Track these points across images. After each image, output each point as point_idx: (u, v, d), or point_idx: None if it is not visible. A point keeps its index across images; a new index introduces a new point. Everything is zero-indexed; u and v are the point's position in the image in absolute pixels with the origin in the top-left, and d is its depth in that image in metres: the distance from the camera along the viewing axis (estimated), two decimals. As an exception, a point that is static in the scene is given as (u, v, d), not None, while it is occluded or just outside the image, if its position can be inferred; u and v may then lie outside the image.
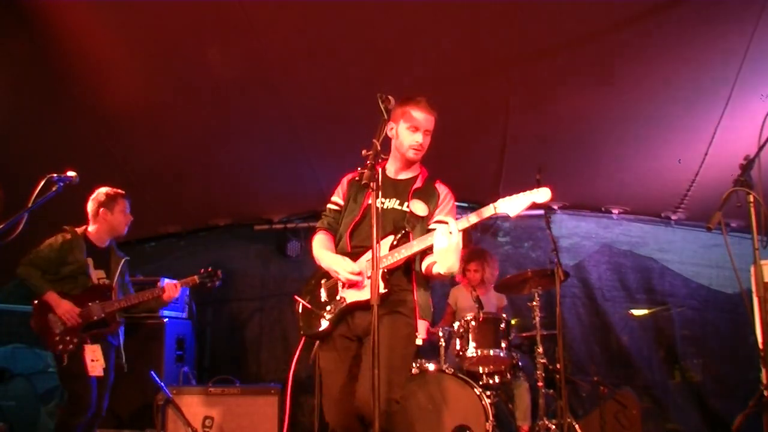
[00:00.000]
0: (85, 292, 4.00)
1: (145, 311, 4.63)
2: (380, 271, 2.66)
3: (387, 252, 2.78)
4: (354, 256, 2.85)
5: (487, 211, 2.67)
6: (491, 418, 4.16)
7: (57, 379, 5.06)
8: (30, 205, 3.27)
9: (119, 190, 4.21)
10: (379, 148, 2.56)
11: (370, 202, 2.73)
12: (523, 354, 4.85)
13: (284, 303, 6.43)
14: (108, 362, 3.99)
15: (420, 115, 2.88)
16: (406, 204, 2.91)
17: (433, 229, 2.74)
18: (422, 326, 2.86)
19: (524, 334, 4.84)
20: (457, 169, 5.12)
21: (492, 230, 6.07)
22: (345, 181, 3.14)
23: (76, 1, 3.83)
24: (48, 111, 4.61)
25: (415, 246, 2.73)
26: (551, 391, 4.59)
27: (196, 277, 4.33)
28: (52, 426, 4.92)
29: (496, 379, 4.55)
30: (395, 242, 2.79)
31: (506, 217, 2.74)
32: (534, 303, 4.57)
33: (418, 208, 2.90)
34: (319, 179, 5.78)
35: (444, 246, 2.56)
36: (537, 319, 4.52)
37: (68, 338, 3.88)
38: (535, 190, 2.68)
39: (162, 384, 4.73)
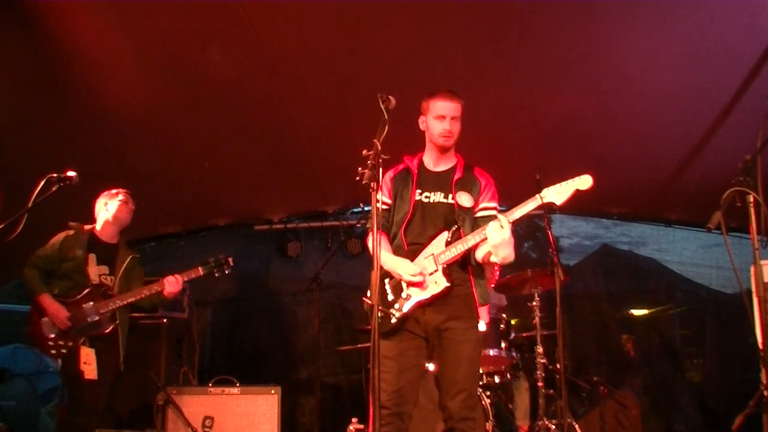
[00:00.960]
0: (84, 294, 3.92)
1: (148, 310, 4.40)
2: (441, 267, 2.89)
3: (444, 248, 2.92)
4: (411, 254, 2.96)
5: (533, 202, 2.80)
6: (491, 418, 4.16)
7: (57, 379, 5.08)
8: (30, 205, 3.27)
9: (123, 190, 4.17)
10: (380, 147, 2.58)
11: (417, 198, 2.98)
12: (523, 354, 4.85)
13: (284, 303, 6.44)
14: (106, 363, 3.91)
15: (444, 103, 3.02)
16: (450, 196, 3.03)
17: (481, 218, 2.97)
18: (483, 312, 2.99)
19: (524, 334, 4.84)
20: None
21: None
22: (388, 178, 3.18)
23: (76, 1, 3.83)
24: (48, 111, 4.60)
25: (470, 240, 2.87)
26: (551, 391, 4.58)
27: (200, 268, 4.07)
28: (52, 426, 4.93)
29: (496, 379, 4.55)
30: (449, 238, 2.92)
31: (551, 206, 2.83)
32: (534, 303, 4.57)
33: (464, 199, 3.02)
34: (319, 179, 5.78)
35: (497, 241, 2.72)
36: (537, 319, 4.52)
37: (61, 342, 3.83)
38: (577, 177, 2.79)
39: (162, 384, 4.73)
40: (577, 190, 2.78)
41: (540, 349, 4.42)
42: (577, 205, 5.96)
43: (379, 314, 2.94)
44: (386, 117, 2.74)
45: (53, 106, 4.55)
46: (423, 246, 2.96)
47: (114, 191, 4.14)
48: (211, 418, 4.75)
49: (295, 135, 5.06)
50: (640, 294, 5.93)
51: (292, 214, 6.51)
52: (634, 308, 5.92)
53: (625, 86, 4.39)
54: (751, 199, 2.97)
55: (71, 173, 3.41)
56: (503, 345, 4.45)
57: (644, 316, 5.88)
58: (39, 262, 3.93)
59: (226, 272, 4.15)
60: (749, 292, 3.53)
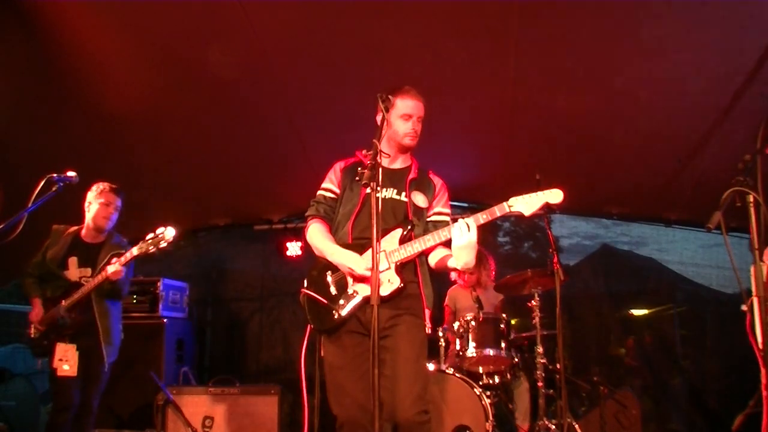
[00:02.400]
0: (60, 294, 3.97)
1: (115, 297, 4.11)
2: (394, 265, 2.75)
3: (398, 246, 2.80)
4: (357, 248, 2.81)
5: (501, 209, 2.71)
6: (491, 418, 4.16)
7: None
8: (30, 205, 3.28)
9: (112, 184, 4.09)
10: (379, 148, 2.57)
11: (368, 191, 2.71)
12: (523, 354, 4.85)
13: (284, 303, 6.44)
14: (91, 360, 3.91)
15: (411, 103, 2.92)
16: (404, 194, 2.93)
17: (433, 222, 2.89)
18: (427, 314, 2.89)
19: (524, 334, 4.84)
20: (457, 169, 5.13)
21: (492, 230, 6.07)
22: (338, 167, 3.11)
23: (76, 1, 3.83)
24: (48, 111, 4.60)
25: (429, 241, 2.76)
26: (551, 391, 4.58)
27: (134, 248, 3.82)
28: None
29: (496, 379, 4.55)
30: (403, 236, 2.81)
31: (520, 216, 2.75)
32: (534, 303, 4.57)
33: (419, 199, 2.94)
34: (319, 179, 5.77)
35: (462, 243, 2.62)
36: (537, 319, 4.52)
37: (45, 342, 3.94)
38: (547, 191, 2.71)
39: (162, 384, 4.73)
40: (547, 204, 2.70)
41: (540, 349, 4.42)
42: (577, 205, 5.98)
43: (323, 307, 2.81)
44: (386, 117, 2.74)
45: (53, 106, 4.55)
46: (370, 240, 2.70)
47: (100, 188, 4.05)
48: (211, 418, 4.75)
49: (295, 135, 5.06)
50: (640, 294, 5.93)
51: (292, 214, 6.51)
52: (634, 308, 5.92)
53: (625, 86, 4.39)
54: (751, 199, 2.97)
55: (71, 173, 3.42)
56: (503, 345, 4.45)
57: (644, 316, 5.88)
58: (31, 269, 4.06)
59: (164, 246, 3.82)
60: (749, 292, 3.52)
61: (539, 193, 2.71)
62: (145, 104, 4.69)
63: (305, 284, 2.93)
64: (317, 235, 2.96)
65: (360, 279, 2.77)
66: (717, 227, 2.99)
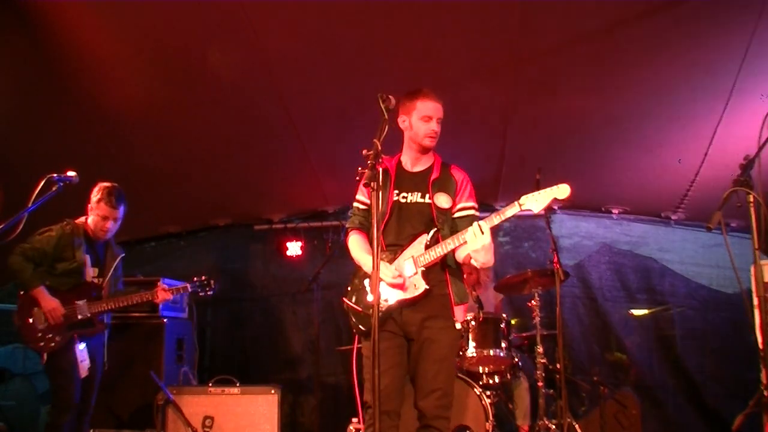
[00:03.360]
0: (74, 289, 3.94)
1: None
2: (420, 271, 2.93)
3: (423, 251, 2.94)
4: (390, 254, 3.00)
5: (512, 209, 2.81)
6: (491, 418, 4.16)
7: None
8: (30, 205, 3.27)
9: (113, 190, 3.99)
10: (380, 148, 2.58)
11: (395, 198, 3.01)
12: (523, 354, 4.85)
13: (284, 303, 6.43)
14: (95, 361, 3.99)
15: (431, 104, 3.05)
16: (428, 196, 3.05)
17: (459, 218, 3.03)
18: (459, 311, 3.03)
19: (524, 334, 4.84)
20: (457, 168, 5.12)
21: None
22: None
23: (76, 1, 3.83)
24: (48, 111, 4.61)
25: (450, 244, 2.89)
26: (551, 391, 4.59)
27: (188, 285, 4.26)
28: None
29: (496, 379, 4.55)
30: (428, 241, 2.95)
31: (530, 213, 2.89)
32: (534, 303, 4.57)
33: (443, 200, 3.05)
34: (319, 179, 5.78)
35: (477, 246, 2.79)
36: (537, 319, 4.52)
37: (50, 336, 3.83)
38: (555, 187, 2.81)
39: (162, 384, 4.73)
40: (555, 199, 2.81)
41: (540, 349, 4.42)
42: (578, 204, 5.98)
43: (359, 314, 3.04)
44: (386, 117, 2.74)
45: (54, 106, 4.55)
46: (402, 247, 2.99)
47: (99, 196, 3.96)
48: (211, 418, 4.75)
49: (295, 134, 5.06)
50: (640, 294, 5.92)
51: (292, 214, 6.50)
52: (634, 308, 5.91)
53: (625, 86, 4.39)
54: (751, 199, 2.97)
55: (71, 173, 3.42)
56: (503, 345, 4.45)
57: (644, 316, 5.87)
58: (30, 254, 3.86)
59: (210, 293, 4.31)
60: (749, 292, 3.52)
61: (547, 189, 2.81)
62: (146, 104, 4.69)
63: (347, 292, 3.13)
64: (353, 246, 3.16)
65: (392, 286, 2.95)
66: (717, 227, 2.99)
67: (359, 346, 3.12)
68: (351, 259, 3.18)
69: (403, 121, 3.10)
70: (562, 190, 2.79)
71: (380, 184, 3.03)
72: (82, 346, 3.90)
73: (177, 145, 5.18)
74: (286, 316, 6.41)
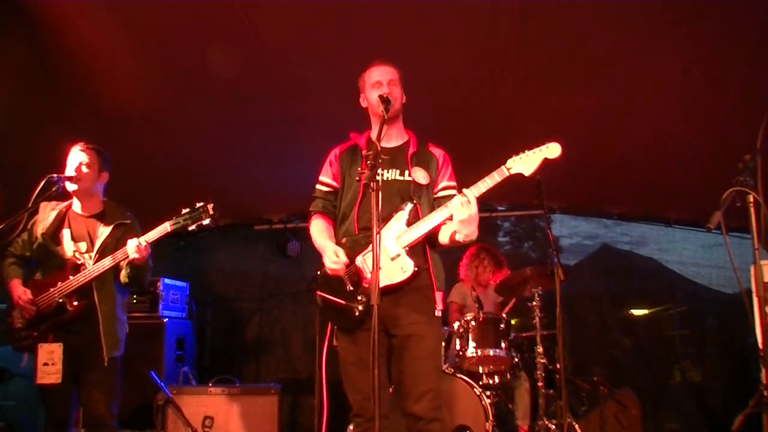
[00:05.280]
0: (54, 274, 3.32)
1: (133, 285, 3.53)
2: (404, 251, 2.68)
3: (405, 228, 2.73)
4: (364, 239, 2.74)
5: (500, 173, 2.65)
6: (491, 418, 4.16)
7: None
8: (30, 205, 3.27)
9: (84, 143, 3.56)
10: (380, 148, 2.56)
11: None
12: (523, 354, 4.85)
13: (284, 303, 6.44)
14: (84, 359, 3.29)
15: (375, 71, 2.93)
16: (407, 173, 2.86)
17: (442, 197, 2.82)
18: (438, 297, 2.84)
19: (524, 334, 4.84)
20: (456, 167, 5.12)
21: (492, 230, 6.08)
22: (333, 156, 3.02)
23: (76, 1, 3.83)
24: (48, 111, 4.60)
25: (435, 218, 2.69)
26: (551, 391, 4.58)
27: (168, 224, 3.35)
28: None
29: (496, 379, 4.55)
30: (408, 217, 2.74)
31: (520, 177, 2.66)
32: (534, 303, 4.57)
33: (420, 176, 2.86)
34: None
35: (464, 216, 2.57)
36: (537, 319, 4.52)
37: (26, 333, 3.30)
38: (544, 146, 2.64)
39: (162, 384, 4.73)
40: (546, 159, 2.62)
41: (540, 349, 4.42)
42: (578, 204, 5.98)
43: (341, 307, 2.74)
44: (386, 117, 2.74)
45: (53, 106, 4.55)
46: (377, 229, 2.65)
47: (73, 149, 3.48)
48: (211, 418, 4.75)
49: (295, 134, 5.06)
50: (640, 294, 5.93)
51: (292, 214, 6.50)
52: (634, 308, 5.92)
53: (625, 86, 4.39)
54: (751, 199, 2.97)
55: (71, 173, 3.41)
56: (503, 345, 4.45)
57: (644, 316, 5.88)
58: (13, 248, 3.46)
59: (206, 223, 3.36)
60: (749, 292, 3.52)
61: (536, 149, 2.64)
62: (145, 104, 4.69)
63: (318, 285, 2.87)
64: (314, 232, 2.95)
65: (332, 272, 2.72)
66: (717, 227, 2.99)
67: (334, 345, 2.84)
68: (310, 248, 2.93)
69: (363, 99, 2.95)
70: (552, 149, 2.63)
71: (354, 161, 2.86)
72: (50, 346, 3.22)
73: (177, 145, 5.18)
74: (286, 316, 6.41)
